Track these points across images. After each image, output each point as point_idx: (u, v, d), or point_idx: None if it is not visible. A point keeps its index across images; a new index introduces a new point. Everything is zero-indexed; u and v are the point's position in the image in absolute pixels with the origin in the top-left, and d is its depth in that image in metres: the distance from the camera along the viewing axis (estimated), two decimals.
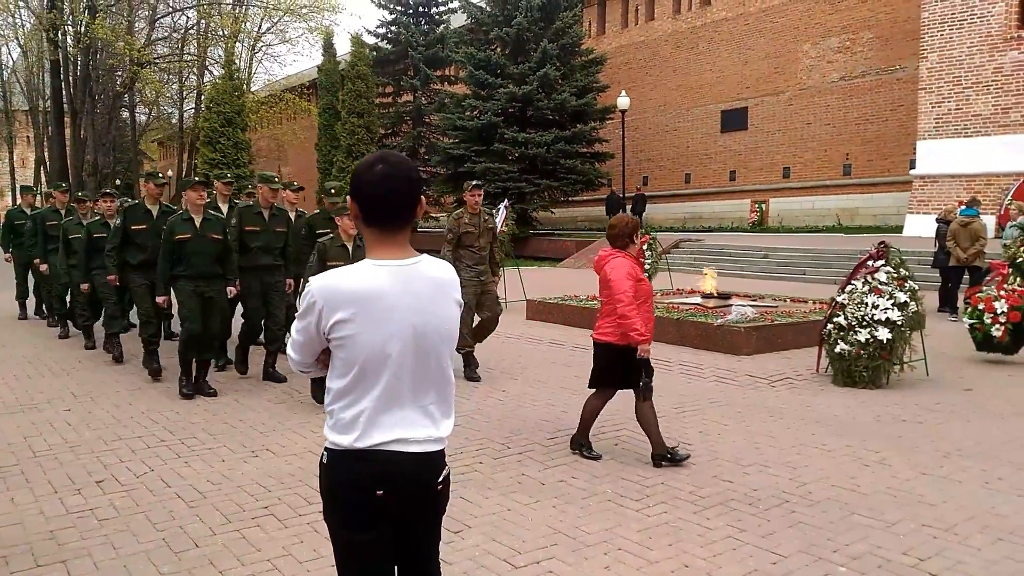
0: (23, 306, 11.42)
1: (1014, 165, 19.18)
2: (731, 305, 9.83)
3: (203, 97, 31.54)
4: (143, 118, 44.44)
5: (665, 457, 4.86)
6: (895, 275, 7.17)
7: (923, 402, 6.48)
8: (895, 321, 6.94)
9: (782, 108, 27.65)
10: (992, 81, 19.66)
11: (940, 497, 4.30)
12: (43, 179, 41.44)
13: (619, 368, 4.88)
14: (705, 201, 30.40)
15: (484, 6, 28.30)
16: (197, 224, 6.55)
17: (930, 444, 5.29)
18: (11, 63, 45.23)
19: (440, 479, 2.14)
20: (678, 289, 12.37)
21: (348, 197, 2.10)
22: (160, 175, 8.55)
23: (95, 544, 3.70)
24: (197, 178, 7.42)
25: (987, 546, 3.68)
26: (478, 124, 26.26)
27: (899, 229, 22.26)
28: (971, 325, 8.18)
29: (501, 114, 26.13)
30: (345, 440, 2.03)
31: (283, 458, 5.02)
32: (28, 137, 56.69)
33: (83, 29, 25.99)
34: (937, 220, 12.49)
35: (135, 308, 7.92)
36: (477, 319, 7.54)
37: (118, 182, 29.66)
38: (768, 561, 3.54)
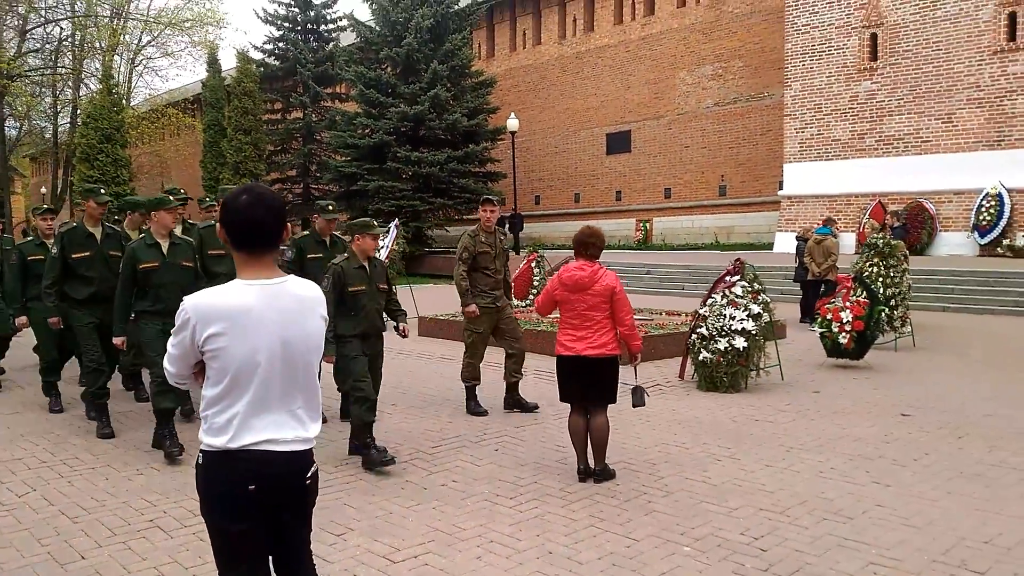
0: None
1: (870, 186, 20.88)
2: None
3: (80, 112, 30.29)
4: (13, 132, 42.21)
5: (608, 473, 4.93)
6: (750, 289, 7.86)
7: (775, 404, 7.13)
8: (750, 331, 7.61)
9: (662, 131, 28.99)
10: (849, 108, 21.36)
11: (778, 485, 4.84)
12: None
13: (608, 380, 4.95)
14: (594, 220, 31.30)
15: (374, 25, 28.47)
16: (164, 250, 5.68)
17: (776, 440, 5.88)
18: None
19: (309, 475, 2.40)
20: None
21: (217, 224, 2.36)
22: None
23: None
24: (173, 196, 6.21)
25: (813, 525, 4.20)
26: (370, 142, 26.35)
27: (770, 246, 23.74)
28: (821, 334, 8.99)
29: (393, 133, 26.32)
30: (219, 442, 2.27)
31: (167, 474, 5.11)
32: None
33: None
34: (797, 238, 13.54)
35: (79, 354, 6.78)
36: (507, 351, 6.78)
37: None
38: (623, 545, 3.95)
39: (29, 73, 31.34)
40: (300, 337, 2.33)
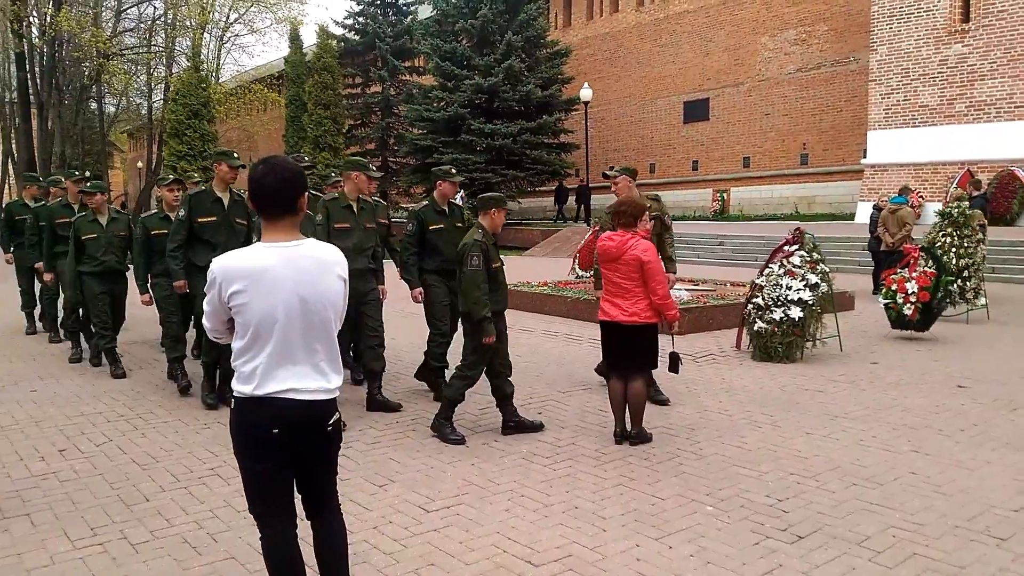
0: (30, 317, 9.71)
1: (959, 154, 19.99)
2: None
3: (169, 89, 31.64)
4: (112, 109, 44.37)
5: (644, 436, 5.05)
6: (808, 259, 7.76)
7: (828, 374, 7.07)
8: (806, 301, 7.53)
9: (742, 99, 28.33)
10: (938, 73, 20.43)
11: (814, 452, 4.87)
12: (10, 171, 41.25)
13: (643, 347, 5.06)
14: (669, 190, 30.96)
15: None
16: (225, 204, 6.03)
17: (822, 409, 5.88)
18: None
19: (331, 422, 2.62)
20: None
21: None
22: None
23: (56, 500, 4.16)
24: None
25: (841, 490, 4.24)
26: (445, 115, 26.67)
27: (852, 216, 23.04)
28: (886, 305, 8.80)
29: (467, 105, 26.56)
30: (246, 389, 2.51)
31: None
32: None
33: (48, 21, 25.98)
34: (873, 207, 13.15)
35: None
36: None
37: (87, 173, 29.77)
38: (648, 503, 4.08)
39: (124, 52, 32.83)
40: (316, 295, 2.53)
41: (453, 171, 6.49)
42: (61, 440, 5.23)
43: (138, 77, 37.02)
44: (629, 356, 5.09)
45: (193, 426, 5.57)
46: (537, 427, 5.37)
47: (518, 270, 16.46)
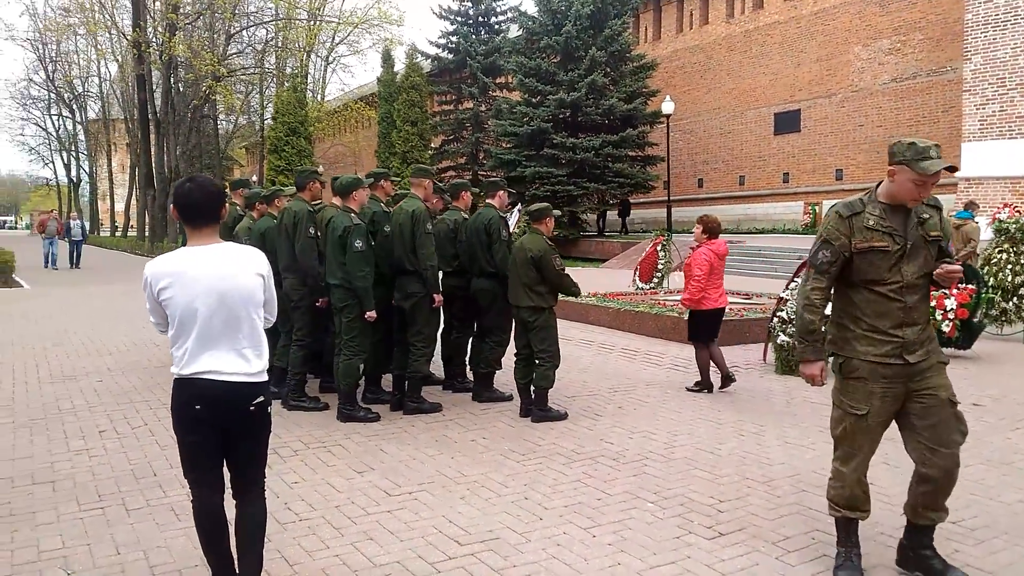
0: None
1: None
2: None
3: (271, 108, 33.59)
4: (230, 126, 47.28)
5: (729, 378, 6.96)
6: None
7: None
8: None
9: (834, 110, 27.61)
10: None
11: (780, 460, 5.00)
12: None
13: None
14: (759, 203, 30.52)
15: (536, 15, 29.23)
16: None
17: (815, 421, 5.94)
18: (109, 76, 48.78)
19: (254, 404, 3.00)
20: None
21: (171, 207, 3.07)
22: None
23: (79, 472, 4.79)
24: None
25: (787, 495, 4.38)
26: (528, 130, 27.19)
27: None
28: None
29: (551, 120, 26.99)
30: (176, 370, 2.98)
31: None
32: (127, 144, 60.53)
33: (163, 45, 28.11)
34: None
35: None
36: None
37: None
38: (594, 497, 4.35)
39: (236, 72, 35.02)
40: (235, 290, 2.93)
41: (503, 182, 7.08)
42: (104, 422, 5.93)
43: (250, 97, 39.44)
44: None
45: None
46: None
47: (592, 281, 16.67)
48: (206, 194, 2.96)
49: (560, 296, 6.20)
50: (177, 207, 2.98)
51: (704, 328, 7.04)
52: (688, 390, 7.07)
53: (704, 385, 7.05)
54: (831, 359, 3.52)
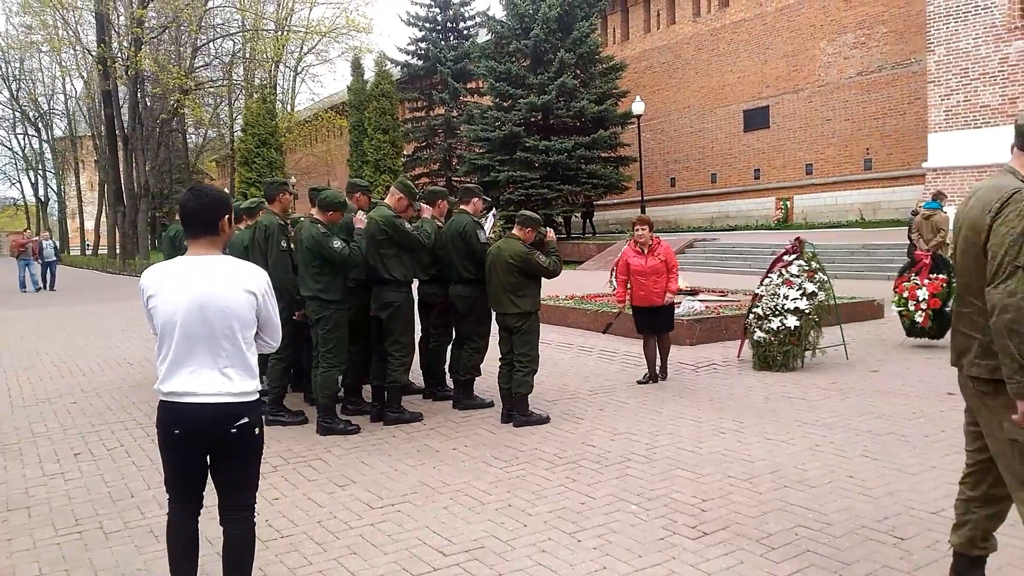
0: None
1: None
2: (683, 301, 10.50)
3: (240, 120, 33.35)
4: (199, 139, 46.88)
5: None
6: (806, 268, 7.83)
7: (820, 382, 7.13)
8: (803, 310, 7.60)
9: (802, 105, 27.91)
10: (998, 72, 19.74)
11: (761, 456, 5.02)
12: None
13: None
14: (731, 200, 30.76)
15: (504, 19, 29.27)
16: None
17: (794, 417, 5.98)
18: (75, 93, 48.18)
19: (236, 426, 2.88)
20: None
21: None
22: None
23: (55, 496, 4.70)
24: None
25: (768, 492, 4.40)
26: (500, 134, 27.20)
27: None
28: (899, 313, 8.74)
29: (522, 123, 27.02)
30: (157, 386, 2.91)
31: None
32: (95, 161, 59.83)
33: (128, 60, 27.79)
34: (911, 212, 12.92)
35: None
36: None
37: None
38: (578, 502, 4.34)
39: (203, 85, 34.70)
40: (217, 304, 2.82)
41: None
42: (80, 445, 5.83)
43: (219, 109, 39.10)
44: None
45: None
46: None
47: (568, 283, 16.67)
48: (199, 203, 2.89)
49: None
50: (180, 216, 2.97)
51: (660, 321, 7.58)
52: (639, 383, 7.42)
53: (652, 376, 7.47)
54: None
